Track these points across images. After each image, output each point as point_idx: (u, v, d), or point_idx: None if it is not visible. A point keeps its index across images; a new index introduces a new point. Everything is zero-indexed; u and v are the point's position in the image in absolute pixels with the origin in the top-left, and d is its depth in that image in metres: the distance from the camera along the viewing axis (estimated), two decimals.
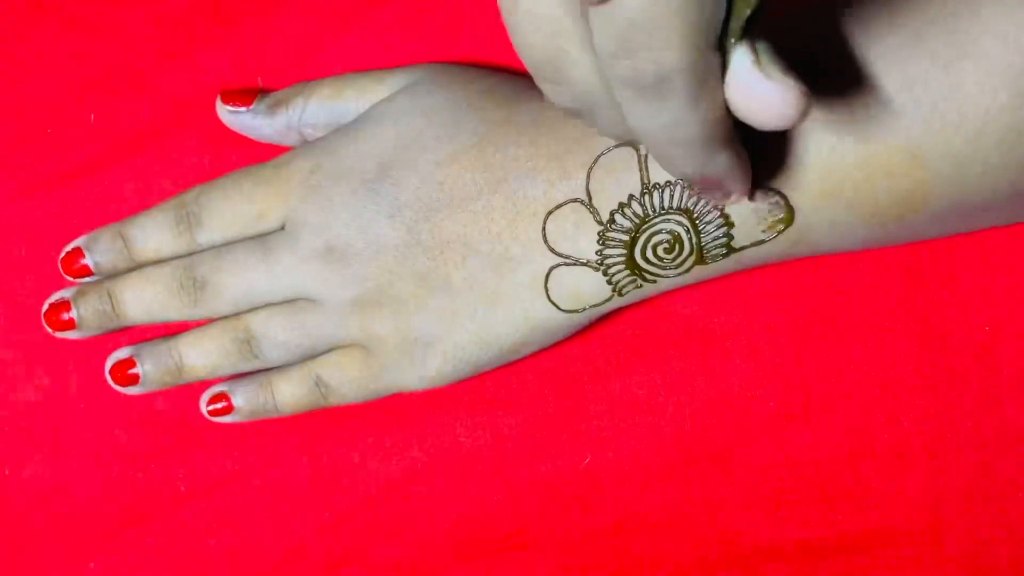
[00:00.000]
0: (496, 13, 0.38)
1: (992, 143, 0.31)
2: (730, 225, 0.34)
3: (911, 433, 0.40)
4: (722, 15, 0.23)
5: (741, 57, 0.23)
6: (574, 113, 0.27)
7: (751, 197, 0.33)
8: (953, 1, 0.31)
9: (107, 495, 0.40)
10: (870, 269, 0.39)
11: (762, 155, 0.32)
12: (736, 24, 0.23)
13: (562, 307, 0.36)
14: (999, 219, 0.35)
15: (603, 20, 0.23)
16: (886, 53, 0.31)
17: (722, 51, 0.24)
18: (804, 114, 0.23)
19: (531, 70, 0.26)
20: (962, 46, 0.30)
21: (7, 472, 0.40)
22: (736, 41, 0.23)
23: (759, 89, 0.23)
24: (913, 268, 0.39)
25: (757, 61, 0.23)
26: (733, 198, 0.31)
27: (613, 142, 0.34)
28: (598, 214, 0.34)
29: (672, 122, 0.24)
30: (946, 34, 0.30)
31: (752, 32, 0.24)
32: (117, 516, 0.41)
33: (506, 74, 0.38)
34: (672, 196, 0.33)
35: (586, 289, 0.35)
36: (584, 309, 0.36)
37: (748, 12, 0.23)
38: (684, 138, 0.25)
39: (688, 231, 0.34)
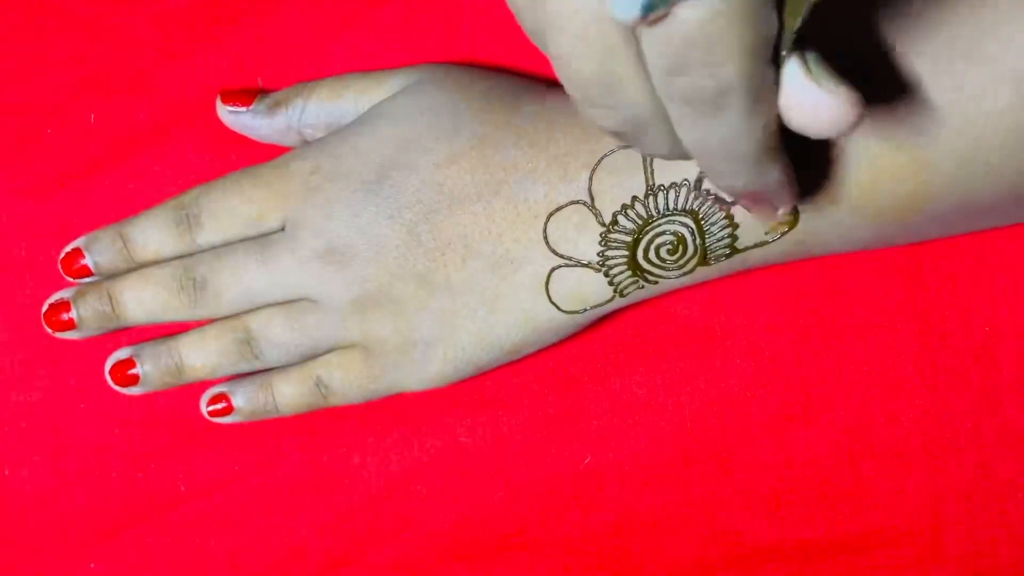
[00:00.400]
0: (497, 14, 0.39)
1: (995, 145, 0.31)
2: (735, 227, 0.34)
3: (911, 433, 0.40)
4: (776, 28, 0.23)
5: (793, 68, 0.23)
6: (620, 135, 0.27)
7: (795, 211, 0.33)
8: (955, 3, 0.31)
9: (107, 495, 0.40)
10: (870, 269, 0.39)
11: None
12: (788, 36, 0.23)
13: (563, 308, 0.36)
14: (1001, 220, 0.35)
15: (659, 38, 0.23)
16: (890, 58, 0.31)
17: (775, 63, 0.24)
18: (858, 121, 0.24)
19: (578, 96, 0.25)
20: (965, 49, 0.30)
21: (7, 472, 0.40)
22: (788, 53, 0.23)
23: (813, 99, 0.23)
24: (913, 268, 0.39)
25: (808, 71, 0.23)
26: (780, 213, 0.30)
27: (616, 144, 0.34)
28: (600, 215, 0.34)
29: (729, 136, 0.24)
30: (949, 37, 0.30)
31: (803, 43, 0.24)
32: (117, 516, 0.41)
33: (506, 75, 0.38)
34: (678, 198, 0.33)
35: (587, 290, 0.35)
36: (585, 310, 0.36)
37: (799, 24, 0.23)
38: (740, 152, 0.25)
39: (692, 233, 0.34)
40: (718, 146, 0.25)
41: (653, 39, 0.23)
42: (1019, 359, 0.39)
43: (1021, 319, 0.39)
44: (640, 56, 0.23)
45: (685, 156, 0.26)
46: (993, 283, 0.39)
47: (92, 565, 0.41)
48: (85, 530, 0.41)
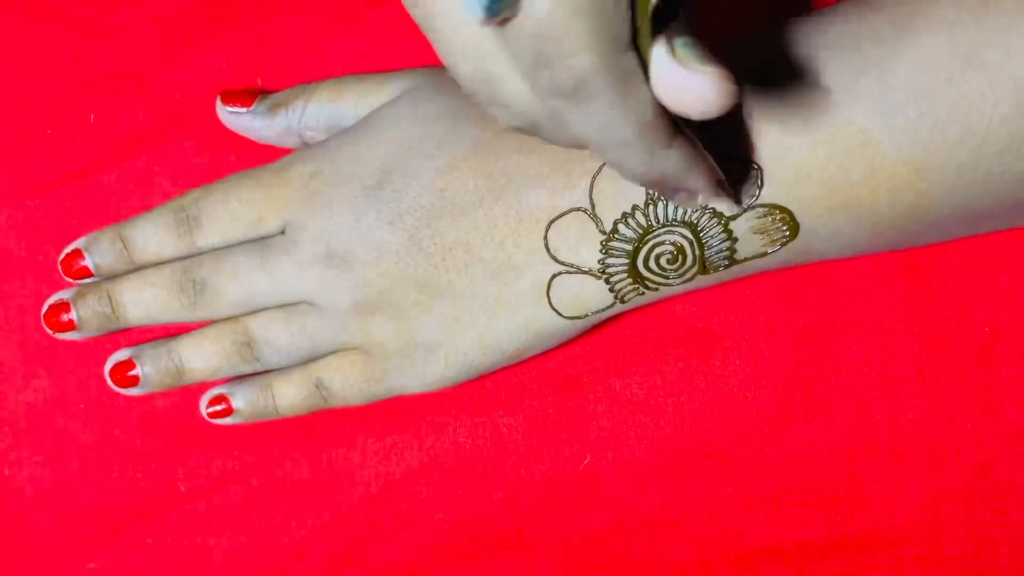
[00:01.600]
0: None
1: (994, 153, 0.31)
2: (734, 240, 0.34)
3: (911, 434, 0.40)
4: (626, 15, 0.23)
5: (660, 52, 0.24)
6: (523, 131, 0.27)
7: (737, 202, 0.33)
8: (956, 11, 0.31)
9: (107, 496, 0.40)
10: (870, 271, 0.39)
11: (765, 171, 0.32)
12: (644, 22, 0.24)
13: (564, 314, 0.36)
14: (1000, 225, 0.35)
15: (515, 36, 0.23)
16: (891, 67, 0.31)
17: (640, 50, 0.24)
18: (731, 98, 0.24)
19: (472, 97, 0.26)
20: (965, 57, 0.30)
21: (7, 472, 0.40)
22: (654, 37, 0.24)
23: (680, 81, 0.24)
24: (913, 270, 0.39)
25: (674, 54, 0.24)
26: (700, 198, 0.31)
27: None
28: (601, 223, 0.34)
29: (604, 124, 0.25)
30: (949, 45, 0.30)
31: (671, 30, 0.24)
32: (117, 516, 0.41)
33: None
34: (677, 209, 0.33)
35: (588, 296, 0.35)
36: (586, 316, 0.36)
37: (650, 9, 0.23)
38: (621, 139, 0.26)
39: (692, 243, 0.34)
40: (599, 134, 0.26)
41: (511, 36, 0.24)
42: (1019, 360, 0.39)
43: (1021, 320, 0.39)
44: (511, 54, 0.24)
45: (582, 145, 0.27)
46: (993, 284, 0.39)
47: (92, 565, 0.41)
48: (85, 530, 0.41)
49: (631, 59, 0.24)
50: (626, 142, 0.26)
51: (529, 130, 0.27)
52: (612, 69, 0.24)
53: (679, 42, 0.24)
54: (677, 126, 0.27)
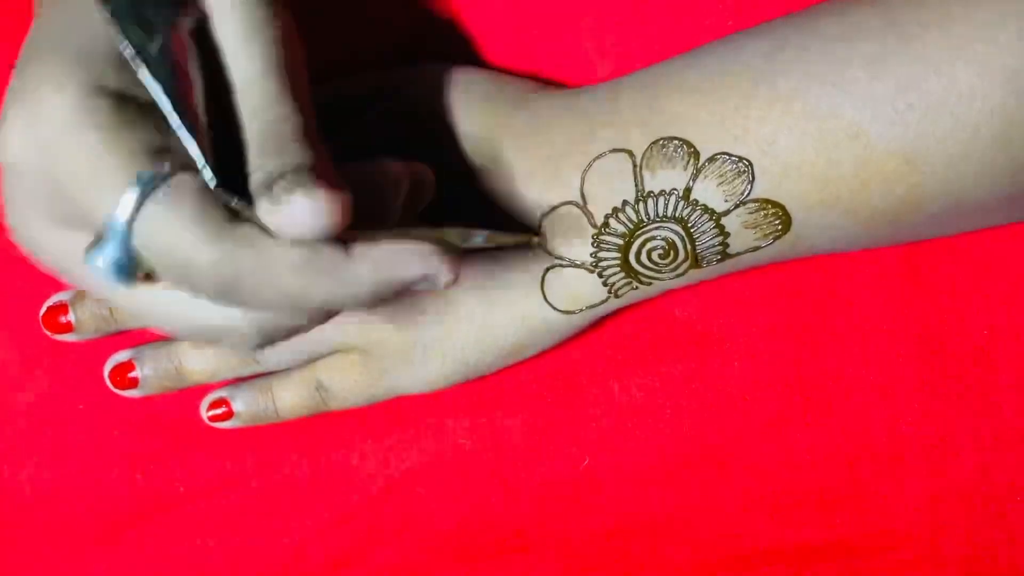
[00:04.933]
0: (494, 15, 0.38)
1: (986, 145, 0.31)
2: (725, 235, 0.34)
3: (910, 436, 0.40)
4: (215, 209, 0.26)
5: (259, 209, 0.26)
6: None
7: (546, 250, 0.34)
8: (947, 5, 0.31)
9: (106, 497, 0.40)
10: (869, 272, 0.39)
11: (755, 165, 0.32)
12: (240, 206, 0.26)
13: (558, 307, 0.36)
14: (996, 219, 0.35)
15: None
16: (880, 59, 0.31)
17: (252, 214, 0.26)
18: (330, 223, 0.25)
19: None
20: (956, 48, 0.30)
21: (6, 473, 0.40)
22: (237, 201, 0.26)
23: (278, 219, 0.25)
24: (912, 271, 0.39)
25: (245, 211, 0.26)
26: (443, 281, 0.28)
27: (609, 146, 0.34)
28: (592, 217, 0.34)
29: (253, 295, 0.26)
30: (940, 37, 0.30)
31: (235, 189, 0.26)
32: (116, 518, 0.41)
33: (504, 75, 0.38)
34: (667, 205, 0.33)
35: (582, 290, 0.35)
36: (581, 310, 0.36)
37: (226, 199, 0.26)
38: (286, 295, 0.27)
39: (683, 239, 0.34)
40: (258, 305, 0.27)
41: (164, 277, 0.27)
42: (1018, 362, 0.39)
43: (1020, 322, 0.39)
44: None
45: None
46: (992, 286, 0.39)
47: (91, 566, 0.41)
48: (84, 531, 0.41)
49: (244, 232, 0.26)
50: (292, 296, 0.26)
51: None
52: (223, 255, 0.25)
53: (274, 188, 0.26)
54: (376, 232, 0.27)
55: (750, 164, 0.32)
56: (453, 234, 0.29)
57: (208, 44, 0.28)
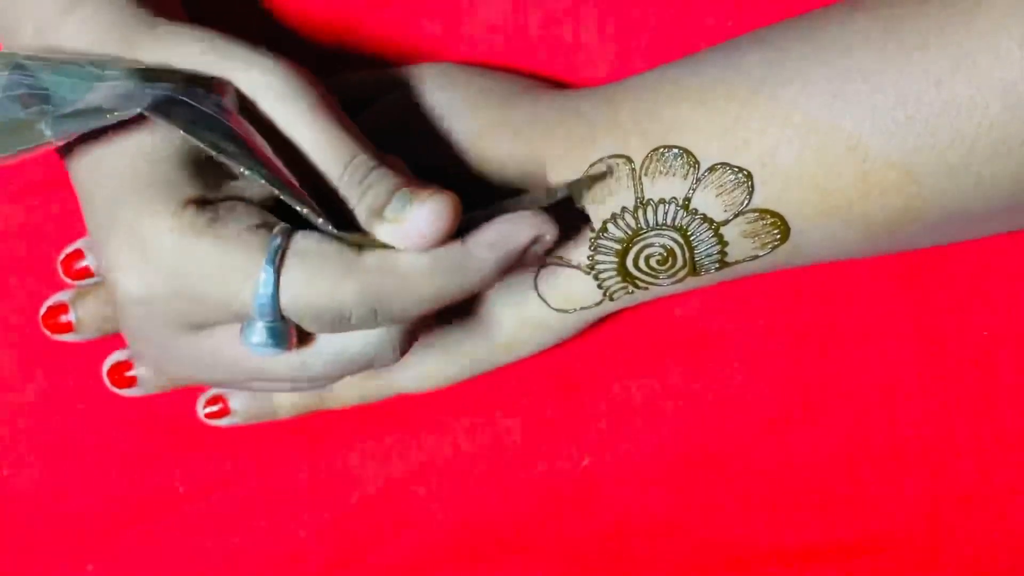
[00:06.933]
0: (494, 14, 0.38)
1: (985, 157, 0.31)
2: (724, 243, 0.34)
3: (910, 437, 0.40)
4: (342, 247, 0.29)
5: (380, 232, 0.29)
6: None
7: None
8: (946, 14, 0.31)
9: (105, 496, 0.40)
10: (868, 273, 0.39)
11: (755, 176, 0.32)
12: (356, 238, 0.29)
13: (552, 306, 0.36)
14: (995, 228, 0.35)
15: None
16: (880, 71, 0.31)
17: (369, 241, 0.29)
18: (447, 221, 0.29)
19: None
20: (955, 60, 0.30)
21: (5, 473, 0.40)
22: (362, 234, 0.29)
23: (402, 238, 0.29)
24: (911, 273, 0.39)
25: (385, 221, 0.29)
26: (546, 242, 0.31)
27: (608, 152, 0.34)
28: (590, 220, 0.34)
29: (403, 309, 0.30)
30: (939, 48, 0.30)
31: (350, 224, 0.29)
32: (115, 517, 0.41)
33: (503, 73, 0.38)
34: (666, 214, 0.33)
35: (577, 291, 0.35)
36: (575, 310, 0.36)
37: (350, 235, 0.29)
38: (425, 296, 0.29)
39: (682, 247, 0.34)
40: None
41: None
42: (1017, 363, 0.39)
43: (1019, 324, 0.39)
44: None
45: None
46: (992, 287, 0.39)
47: (90, 567, 0.41)
48: (83, 531, 0.41)
49: (372, 260, 0.29)
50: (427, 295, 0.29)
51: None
52: (364, 285, 0.29)
53: (386, 213, 0.29)
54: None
55: (750, 175, 0.32)
56: (537, 195, 0.32)
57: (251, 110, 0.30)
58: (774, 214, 0.33)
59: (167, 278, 0.29)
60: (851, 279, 0.39)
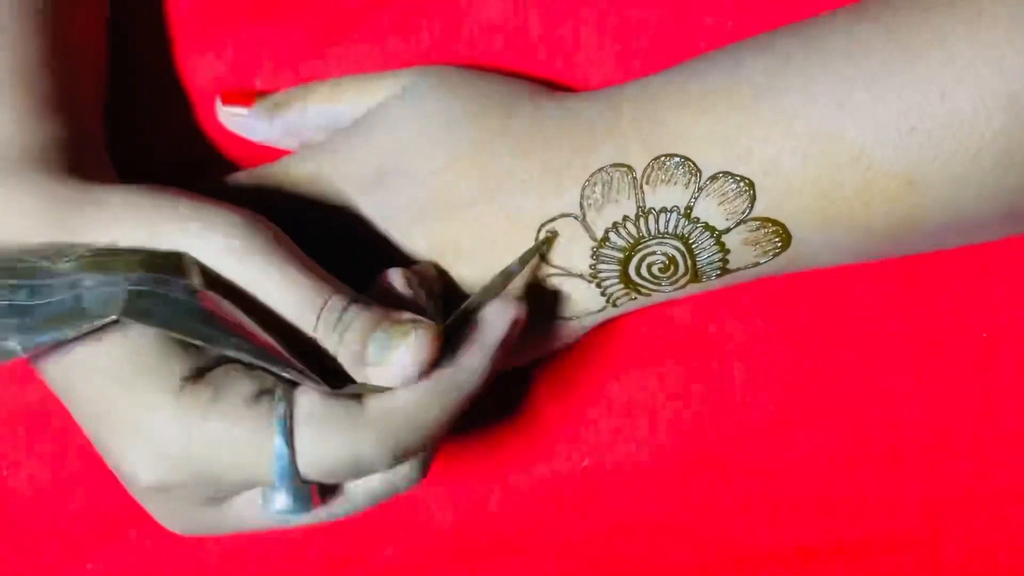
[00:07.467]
0: (494, 16, 0.38)
1: (988, 167, 0.31)
2: (725, 251, 0.34)
3: (909, 439, 0.40)
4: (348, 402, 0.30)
5: (365, 376, 0.30)
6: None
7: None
8: (950, 24, 0.30)
9: (105, 495, 0.40)
10: (868, 276, 0.39)
11: (756, 185, 0.32)
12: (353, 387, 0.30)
13: (556, 314, 0.36)
14: (994, 235, 0.35)
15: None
16: (883, 80, 0.31)
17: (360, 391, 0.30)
18: (415, 371, 0.30)
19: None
20: (959, 71, 0.30)
21: (5, 472, 0.40)
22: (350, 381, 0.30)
23: (382, 377, 0.30)
24: (911, 274, 0.39)
25: (368, 363, 0.30)
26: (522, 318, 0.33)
27: (609, 160, 0.34)
28: (591, 230, 0.34)
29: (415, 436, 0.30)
30: (942, 59, 0.30)
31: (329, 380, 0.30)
32: (115, 517, 0.41)
33: (504, 78, 0.37)
34: (668, 223, 0.33)
35: (580, 298, 0.35)
36: (578, 317, 0.36)
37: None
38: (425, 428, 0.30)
39: (684, 255, 0.34)
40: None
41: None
42: (1017, 362, 0.39)
43: (1019, 325, 0.39)
44: None
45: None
46: (991, 289, 0.39)
47: (89, 566, 0.41)
48: (83, 531, 0.41)
49: (375, 404, 0.30)
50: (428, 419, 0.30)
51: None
52: (378, 431, 0.29)
53: (368, 359, 0.30)
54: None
55: (752, 184, 0.32)
56: (496, 281, 0.33)
57: (215, 279, 0.30)
58: (776, 223, 0.33)
59: (180, 465, 0.29)
60: (851, 279, 0.39)
